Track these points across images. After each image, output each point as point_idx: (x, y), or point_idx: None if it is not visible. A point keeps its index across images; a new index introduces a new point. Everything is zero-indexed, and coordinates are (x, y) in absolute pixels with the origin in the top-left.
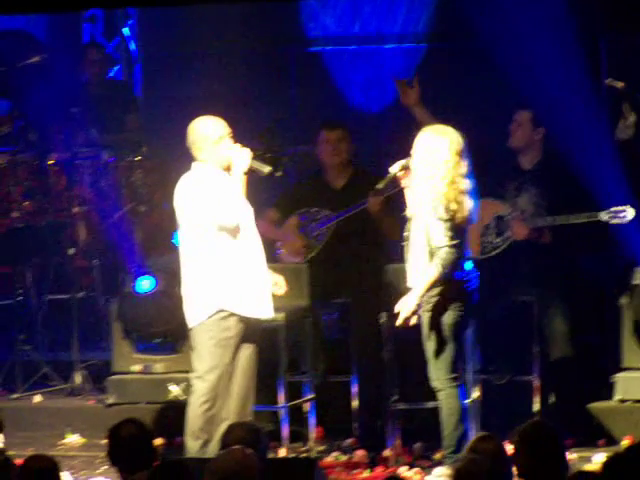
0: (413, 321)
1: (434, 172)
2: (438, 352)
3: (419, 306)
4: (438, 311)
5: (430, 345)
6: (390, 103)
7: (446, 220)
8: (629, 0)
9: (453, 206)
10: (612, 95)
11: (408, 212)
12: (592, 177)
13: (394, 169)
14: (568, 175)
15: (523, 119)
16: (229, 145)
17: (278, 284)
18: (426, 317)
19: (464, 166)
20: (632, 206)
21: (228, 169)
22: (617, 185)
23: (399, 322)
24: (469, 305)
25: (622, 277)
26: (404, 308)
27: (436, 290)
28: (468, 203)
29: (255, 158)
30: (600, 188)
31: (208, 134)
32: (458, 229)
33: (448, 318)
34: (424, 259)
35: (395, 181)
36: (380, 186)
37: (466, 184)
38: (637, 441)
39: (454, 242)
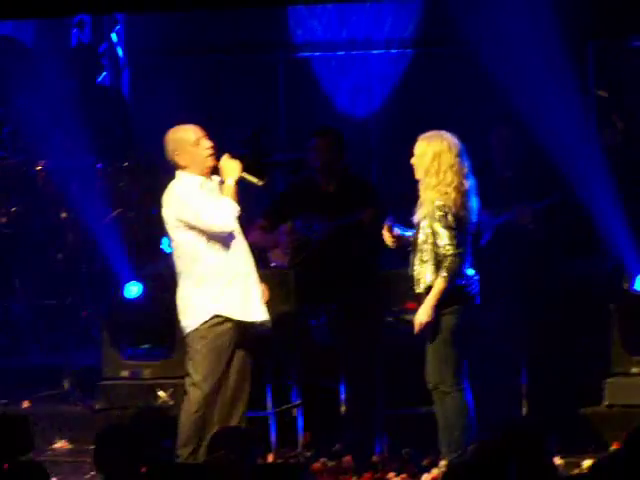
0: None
1: (441, 179)
2: (443, 356)
3: (433, 316)
4: (442, 316)
5: (434, 350)
6: (377, 108)
7: (453, 229)
8: (617, 6)
9: (461, 213)
10: (599, 101)
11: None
12: (578, 181)
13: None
14: (549, 176)
15: (508, 134)
16: (207, 145)
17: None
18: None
19: (465, 167)
20: (622, 210)
21: (208, 173)
22: (603, 189)
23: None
24: (471, 309)
25: (611, 282)
26: (421, 322)
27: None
28: (470, 204)
29: (246, 169)
30: (586, 191)
31: (187, 138)
32: (463, 235)
33: (451, 322)
34: (431, 266)
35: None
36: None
37: (468, 185)
38: (621, 446)
39: (459, 251)
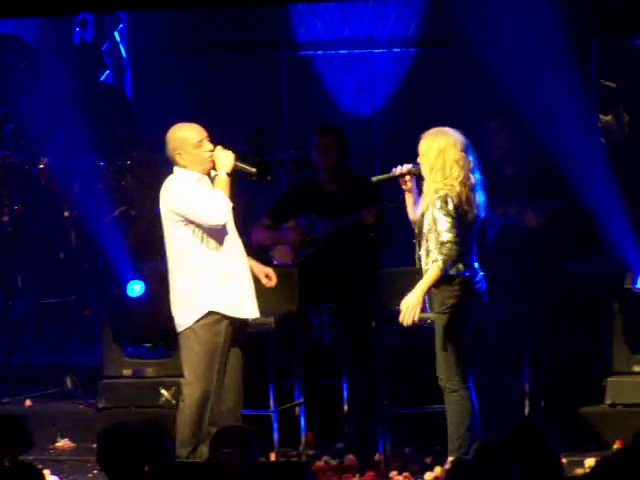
0: (416, 317)
1: (447, 173)
2: (450, 353)
3: (424, 302)
4: (452, 312)
5: (442, 347)
6: (380, 107)
7: (453, 217)
8: (620, 3)
9: (466, 207)
10: (603, 97)
11: (413, 215)
12: (581, 179)
13: (398, 170)
14: (553, 176)
15: (499, 127)
16: (209, 147)
17: (268, 276)
18: (440, 318)
19: (471, 162)
20: (624, 208)
21: (209, 173)
22: (605, 187)
23: (403, 320)
24: (479, 307)
25: (613, 281)
26: (408, 305)
27: (450, 292)
28: (477, 199)
29: (240, 160)
30: (589, 189)
31: (188, 138)
32: (467, 227)
33: (460, 319)
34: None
35: (395, 181)
36: (374, 179)
37: (474, 179)
38: (626, 445)
39: (458, 239)
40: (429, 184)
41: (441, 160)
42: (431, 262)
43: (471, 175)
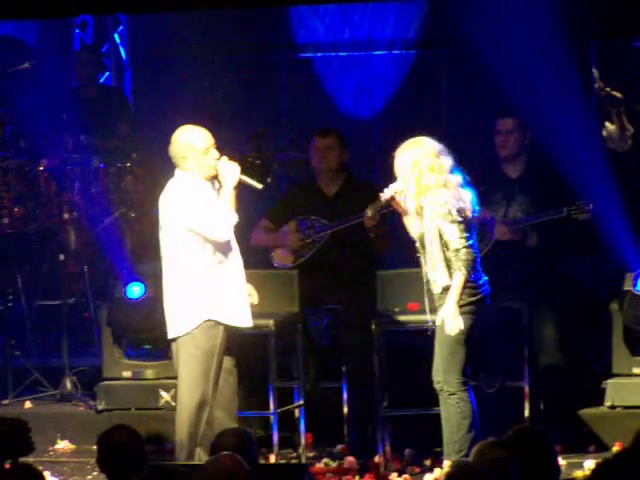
0: (461, 325)
1: (427, 184)
2: (451, 356)
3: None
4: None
5: (443, 348)
6: (380, 109)
7: (460, 222)
8: (619, 5)
9: (461, 204)
10: (607, 106)
11: (414, 233)
12: (580, 182)
13: (388, 194)
14: (555, 179)
15: (513, 126)
16: (215, 156)
17: (249, 294)
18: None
19: (447, 164)
20: (624, 210)
21: (211, 179)
22: (605, 189)
23: (450, 331)
24: (483, 309)
25: (613, 283)
26: (447, 317)
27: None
28: (466, 196)
29: (245, 170)
30: (588, 192)
31: (196, 144)
32: (468, 228)
33: (465, 322)
34: (443, 266)
35: (388, 206)
36: (369, 213)
37: (456, 179)
38: (626, 447)
39: (470, 242)
40: (416, 200)
41: (417, 172)
42: (442, 277)
43: (450, 176)
